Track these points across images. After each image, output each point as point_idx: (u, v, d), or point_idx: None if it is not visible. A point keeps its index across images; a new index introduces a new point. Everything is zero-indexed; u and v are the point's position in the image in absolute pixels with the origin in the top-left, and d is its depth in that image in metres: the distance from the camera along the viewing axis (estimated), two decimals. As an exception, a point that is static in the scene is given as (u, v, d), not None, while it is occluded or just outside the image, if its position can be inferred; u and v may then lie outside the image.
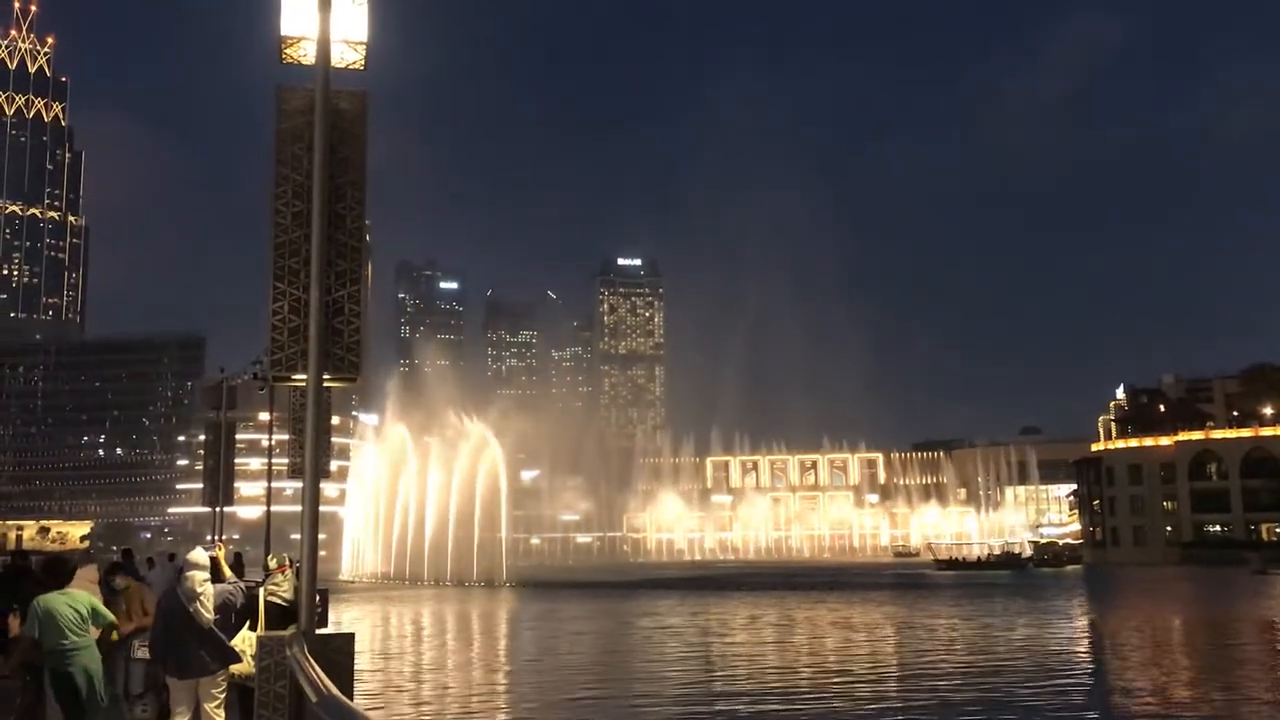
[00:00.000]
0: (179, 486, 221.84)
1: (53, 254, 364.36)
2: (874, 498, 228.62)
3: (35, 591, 12.57)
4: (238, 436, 46.39)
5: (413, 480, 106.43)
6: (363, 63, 11.39)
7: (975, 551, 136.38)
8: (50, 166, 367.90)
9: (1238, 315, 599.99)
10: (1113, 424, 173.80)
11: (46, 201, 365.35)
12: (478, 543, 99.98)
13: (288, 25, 11.01)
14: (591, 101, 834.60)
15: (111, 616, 12.36)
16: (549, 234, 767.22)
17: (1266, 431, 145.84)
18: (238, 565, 25.25)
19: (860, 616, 54.54)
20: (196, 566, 12.54)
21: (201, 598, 12.18)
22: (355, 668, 11.21)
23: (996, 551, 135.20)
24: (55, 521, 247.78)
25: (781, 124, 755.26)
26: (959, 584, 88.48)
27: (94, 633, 12.13)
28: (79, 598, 12.00)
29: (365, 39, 11.22)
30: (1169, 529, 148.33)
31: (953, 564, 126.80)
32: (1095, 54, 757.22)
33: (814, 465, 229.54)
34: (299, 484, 10.69)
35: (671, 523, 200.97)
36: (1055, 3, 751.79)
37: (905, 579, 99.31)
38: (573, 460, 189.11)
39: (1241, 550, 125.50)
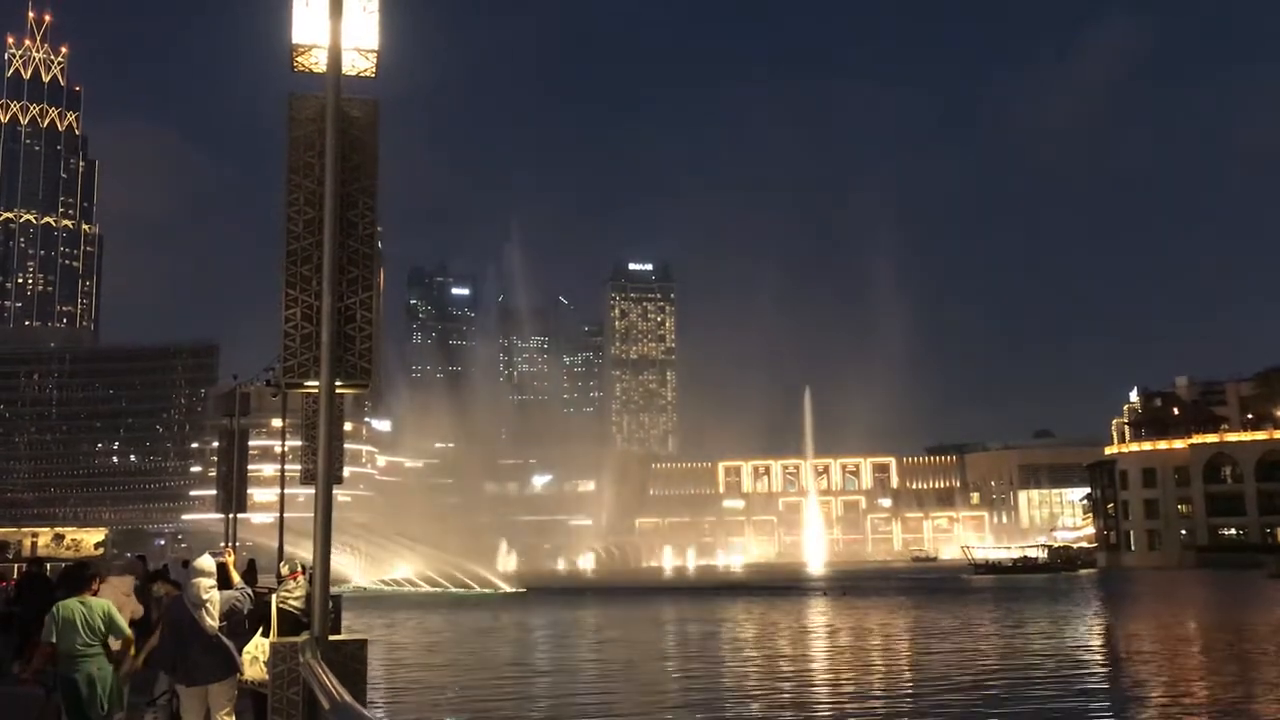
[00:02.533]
0: (193, 493, 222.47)
1: (67, 262, 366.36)
2: (886, 501, 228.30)
3: (54, 597, 12.62)
4: (251, 443, 46.63)
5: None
6: (374, 70, 11.42)
7: (1010, 555, 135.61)
8: (64, 175, 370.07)
9: (1251, 317, 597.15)
10: (1126, 427, 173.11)
11: (60, 210, 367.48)
12: (504, 548, 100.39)
13: (299, 34, 11.05)
14: (602, 106, 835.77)
15: (127, 631, 12.33)
16: (560, 239, 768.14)
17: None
18: (250, 571, 25.33)
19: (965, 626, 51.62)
20: (202, 573, 12.54)
21: (207, 604, 12.19)
22: (369, 674, 11.22)
23: (1015, 556, 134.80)
24: (70, 529, 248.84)
25: (794, 127, 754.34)
26: (1010, 588, 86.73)
27: (115, 644, 12.11)
28: (96, 606, 12.01)
29: (376, 47, 11.26)
30: (1184, 532, 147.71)
31: (991, 568, 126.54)
32: (1118, 56, 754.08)
33: (826, 469, 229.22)
34: (312, 490, 10.70)
35: (684, 527, 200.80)
36: (1081, 6, 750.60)
37: (947, 583, 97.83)
38: (585, 465, 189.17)
39: (1257, 554, 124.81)
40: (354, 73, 11.25)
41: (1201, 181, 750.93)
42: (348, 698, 7.34)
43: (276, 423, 61.33)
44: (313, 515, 10.43)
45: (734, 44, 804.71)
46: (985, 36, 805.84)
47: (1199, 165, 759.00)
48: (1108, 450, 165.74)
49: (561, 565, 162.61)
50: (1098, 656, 39.10)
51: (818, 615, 58.71)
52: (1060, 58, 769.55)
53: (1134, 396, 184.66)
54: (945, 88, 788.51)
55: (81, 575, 12.58)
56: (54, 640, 11.75)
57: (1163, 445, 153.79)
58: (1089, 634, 48.28)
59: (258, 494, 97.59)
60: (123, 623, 12.30)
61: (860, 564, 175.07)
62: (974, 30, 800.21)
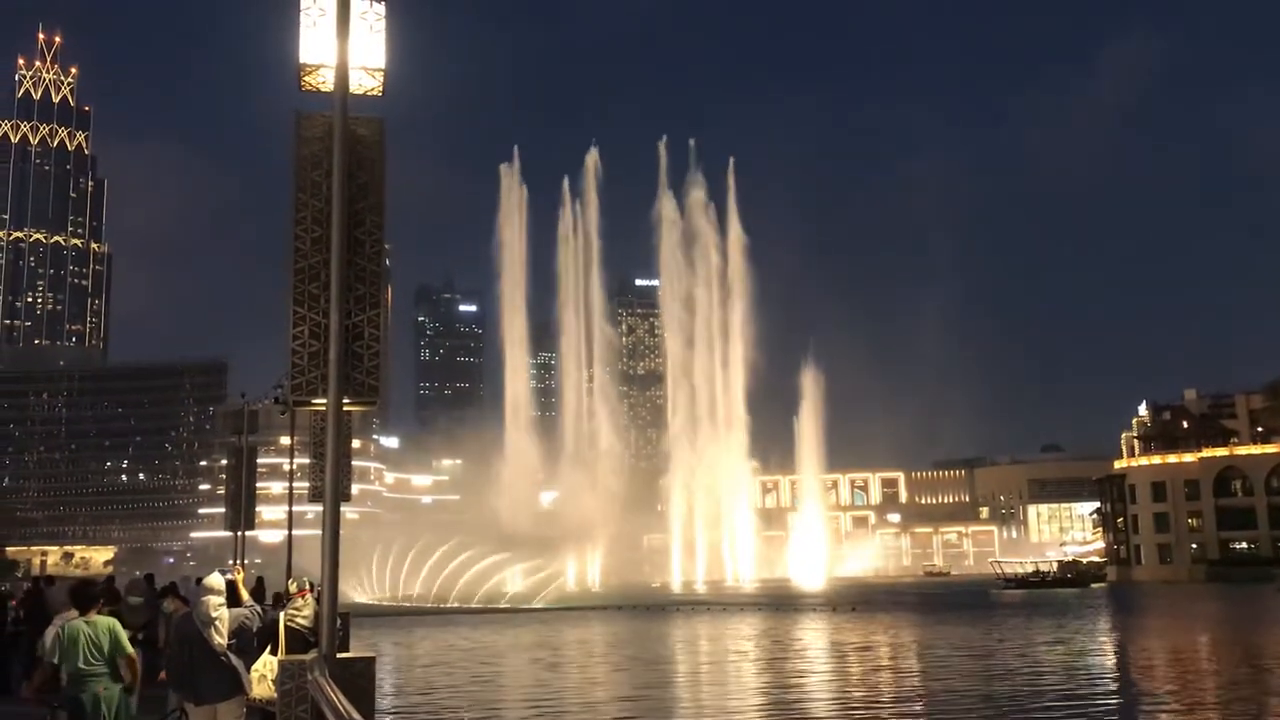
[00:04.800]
0: (201, 511, 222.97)
1: (76, 281, 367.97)
2: (895, 516, 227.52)
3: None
4: (259, 461, 46.61)
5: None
6: (380, 89, 11.49)
7: (1035, 570, 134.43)
8: (73, 195, 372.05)
9: (1261, 329, 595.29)
10: (1135, 441, 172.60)
11: (70, 229, 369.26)
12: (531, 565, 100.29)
13: (306, 53, 11.12)
14: (607, 122, 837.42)
15: (129, 649, 12.26)
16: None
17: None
18: (259, 590, 25.35)
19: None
20: (211, 591, 12.53)
21: (216, 622, 12.17)
22: (378, 692, 11.19)
23: (1028, 570, 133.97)
24: (79, 547, 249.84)
25: (804, 139, 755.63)
26: (1049, 604, 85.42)
27: (123, 663, 12.02)
28: (101, 625, 11.96)
29: (383, 65, 11.33)
30: (1194, 546, 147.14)
31: (1022, 582, 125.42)
32: (1133, 70, 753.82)
33: (834, 484, 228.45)
34: (320, 507, 10.72)
35: (692, 544, 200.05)
36: (1102, 19, 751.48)
37: (976, 599, 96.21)
38: (593, 481, 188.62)
39: (1269, 567, 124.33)
40: (361, 91, 11.33)
41: (1212, 194, 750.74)
42: (356, 716, 7.33)
43: (285, 440, 61.37)
44: (321, 532, 10.43)
45: (743, 58, 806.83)
46: (1007, 47, 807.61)
47: (1210, 178, 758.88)
48: (1117, 464, 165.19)
49: (571, 581, 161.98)
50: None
51: (874, 634, 56.37)
52: (1079, 71, 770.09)
53: (1143, 410, 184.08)
54: (958, 100, 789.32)
55: (88, 593, 12.53)
56: (55, 660, 11.69)
57: (1172, 459, 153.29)
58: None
59: (266, 511, 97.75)
60: (126, 642, 12.22)
61: (870, 579, 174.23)
62: (996, 41, 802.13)
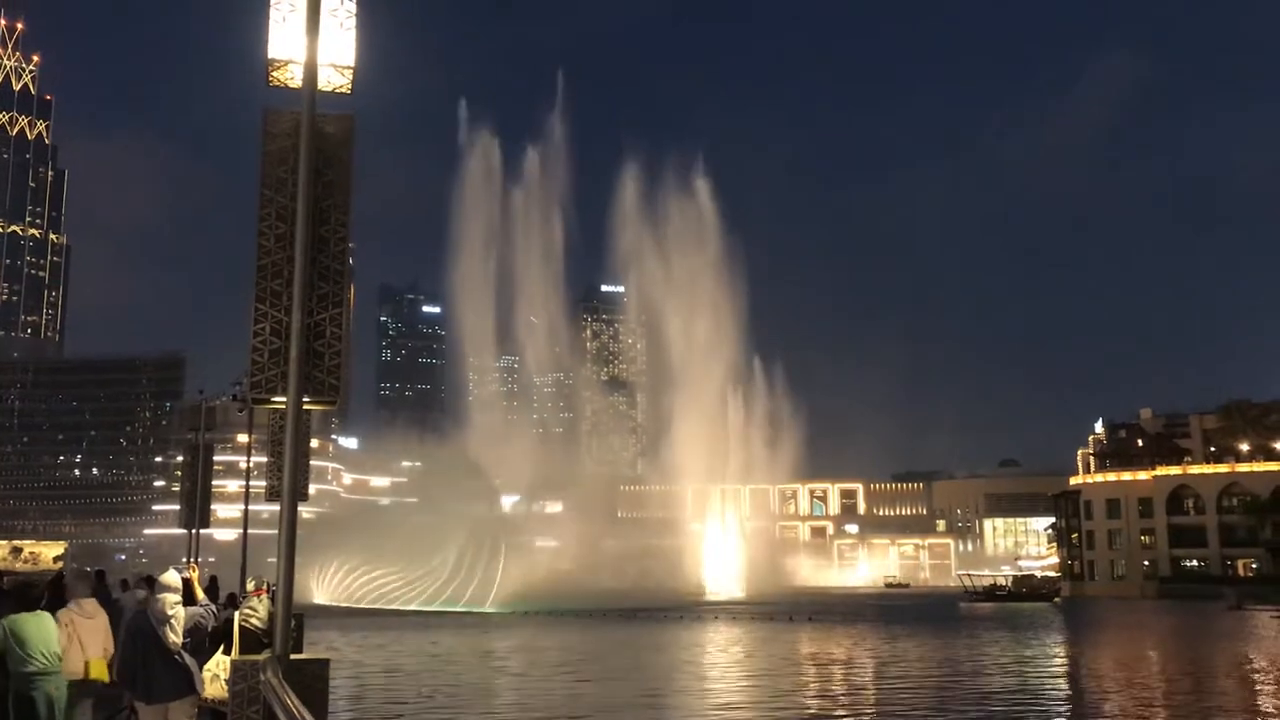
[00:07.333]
0: (155, 508, 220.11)
1: (33, 272, 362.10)
2: (853, 527, 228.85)
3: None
4: (216, 458, 46.17)
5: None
6: (349, 87, 11.43)
7: (993, 583, 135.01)
8: (33, 184, 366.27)
9: (1215, 351, 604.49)
10: (1091, 458, 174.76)
11: (28, 219, 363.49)
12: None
13: (275, 48, 11.05)
14: (579, 127, 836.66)
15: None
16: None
17: (1243, 468, 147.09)
18: (212, 588, 25.07)
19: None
20: (168, 588, 12.36)
21: (172, 620, 12.02)
22: (331, 694, 11.08)
23: (983, 584, 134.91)
24: (28, 542, 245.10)
25: (776, 151, 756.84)
26: (1028, 616, 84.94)
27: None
28: (49, 622, 11.72)
29: (352, 63, 11.28)
30: (1146, 563, 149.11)
31: (990, 595, 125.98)
32: (1101, 96, 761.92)
33: (794, 495, 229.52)
34: (276, 507, 10.62)
35: (653, 550, 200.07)
36: (1081, 41, 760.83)
37: (951, 610, 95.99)
38: (553, 486, 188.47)
39: (1218, 585, 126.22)
40: (329, 88, 11.26)
41: (1178, 216, 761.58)
42: (308, 717, 7.27)
43: (242, 438, 60.78)
44: (277, 532, 10.34)
45: (724, 69, 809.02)
46: (984, 69, 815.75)
47: (1178, 200, 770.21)
48: (1072, 480, 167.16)
49: (526, 586, 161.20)
50: None
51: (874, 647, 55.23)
52: (1053, 91, 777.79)
53: (1099, 428, 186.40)
54: (933, 120, 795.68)
55: (30, 596, 12.26)
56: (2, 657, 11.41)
57: (1127, 476, 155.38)
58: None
59: (221, 510, 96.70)
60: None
61: (826, 590, 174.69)
62: (972, 63, 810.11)
